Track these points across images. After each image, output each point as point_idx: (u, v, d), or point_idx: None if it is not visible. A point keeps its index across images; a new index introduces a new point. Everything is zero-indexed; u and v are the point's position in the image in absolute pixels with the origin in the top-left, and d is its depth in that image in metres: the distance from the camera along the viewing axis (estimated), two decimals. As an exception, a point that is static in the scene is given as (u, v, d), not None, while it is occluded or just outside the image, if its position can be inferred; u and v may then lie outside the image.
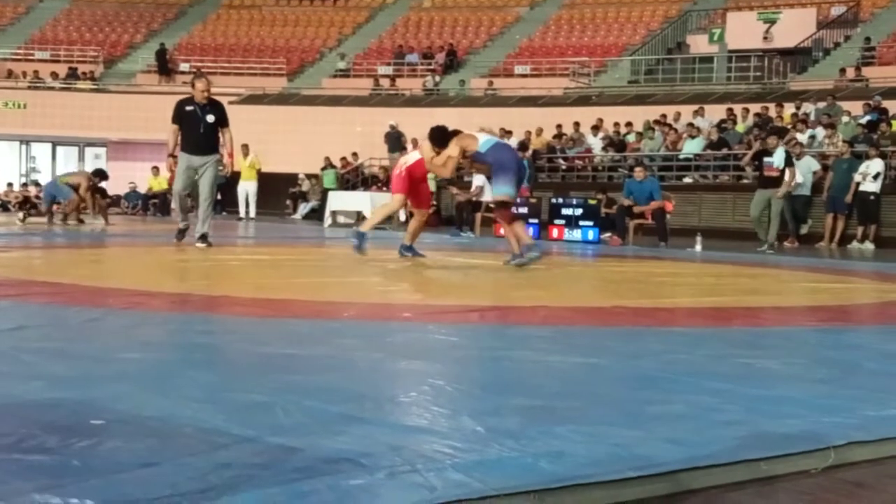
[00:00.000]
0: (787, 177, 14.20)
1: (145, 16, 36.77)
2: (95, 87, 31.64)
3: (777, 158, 14.20)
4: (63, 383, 2.80)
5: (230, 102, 30.08)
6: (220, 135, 10.37)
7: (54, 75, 31.69)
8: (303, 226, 20.77)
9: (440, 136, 8.98)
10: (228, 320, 4.58)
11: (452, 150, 8.73)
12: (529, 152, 20.20)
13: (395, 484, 1.91)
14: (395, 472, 1.97)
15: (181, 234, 10.55)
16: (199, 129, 10.20)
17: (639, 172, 15.27)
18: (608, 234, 15.44)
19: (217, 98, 10.69)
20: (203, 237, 10.10)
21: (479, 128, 9.43)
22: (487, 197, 17.48)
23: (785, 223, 16.11)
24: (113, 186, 31.13)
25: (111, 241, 11.24)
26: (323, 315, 4.91)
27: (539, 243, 8.52)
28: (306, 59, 33.75)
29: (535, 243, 8.60)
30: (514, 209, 8.78)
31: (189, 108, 10.25)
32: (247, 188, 22.87)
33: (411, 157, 9.56)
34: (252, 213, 22.49)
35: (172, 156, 10.49)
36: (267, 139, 27.28)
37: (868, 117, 19.53)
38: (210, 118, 10.25)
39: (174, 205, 11.14)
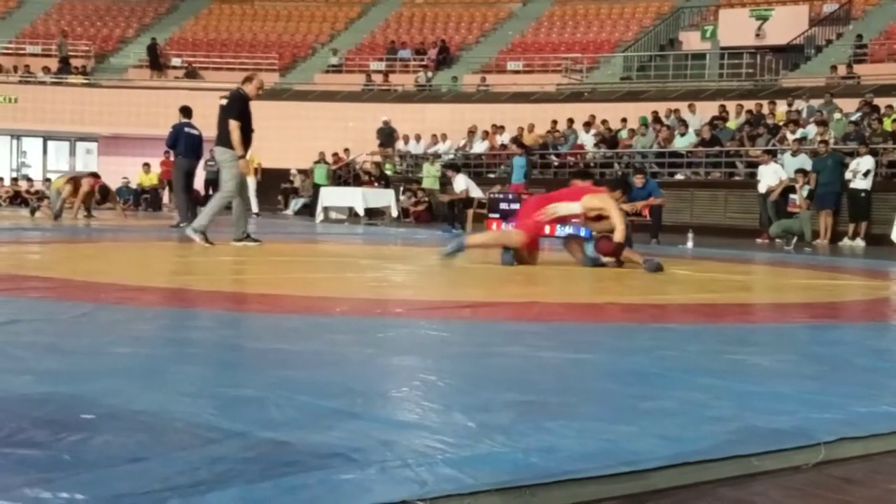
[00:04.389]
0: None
1: (137, 10, 36.68)
2: (87, 81, 31.55)
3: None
4: (53, 378, 2.79)
5: (221, 97, 30.16)
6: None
7: (46, 70, 31.59)
8: (294, 221, 20.74)
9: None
10: (220, 315, 4.57)
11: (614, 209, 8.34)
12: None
13: (385, 478, 1.90)
14: (386, 466, 1.97)
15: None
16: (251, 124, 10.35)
17: (638, 180, 15.16)
18: (600, 231, 15.38)
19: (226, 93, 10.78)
20: (202, 233, 9.78)
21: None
22: (476, 194, 17.57)
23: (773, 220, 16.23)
24: (104, 181, 31.09)
25: (103, 237, 11.19)
26: (315, 310, 4.90)
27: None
28: (298, 55, 33.71)
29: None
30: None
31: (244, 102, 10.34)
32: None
33: (569, 207, 8.40)
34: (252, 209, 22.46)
35: (243, 156, 10.32)
36: (259, 135, 26.95)
37: (859, 114, 19.59)
38: None
39: (240, 209, 10.24)
